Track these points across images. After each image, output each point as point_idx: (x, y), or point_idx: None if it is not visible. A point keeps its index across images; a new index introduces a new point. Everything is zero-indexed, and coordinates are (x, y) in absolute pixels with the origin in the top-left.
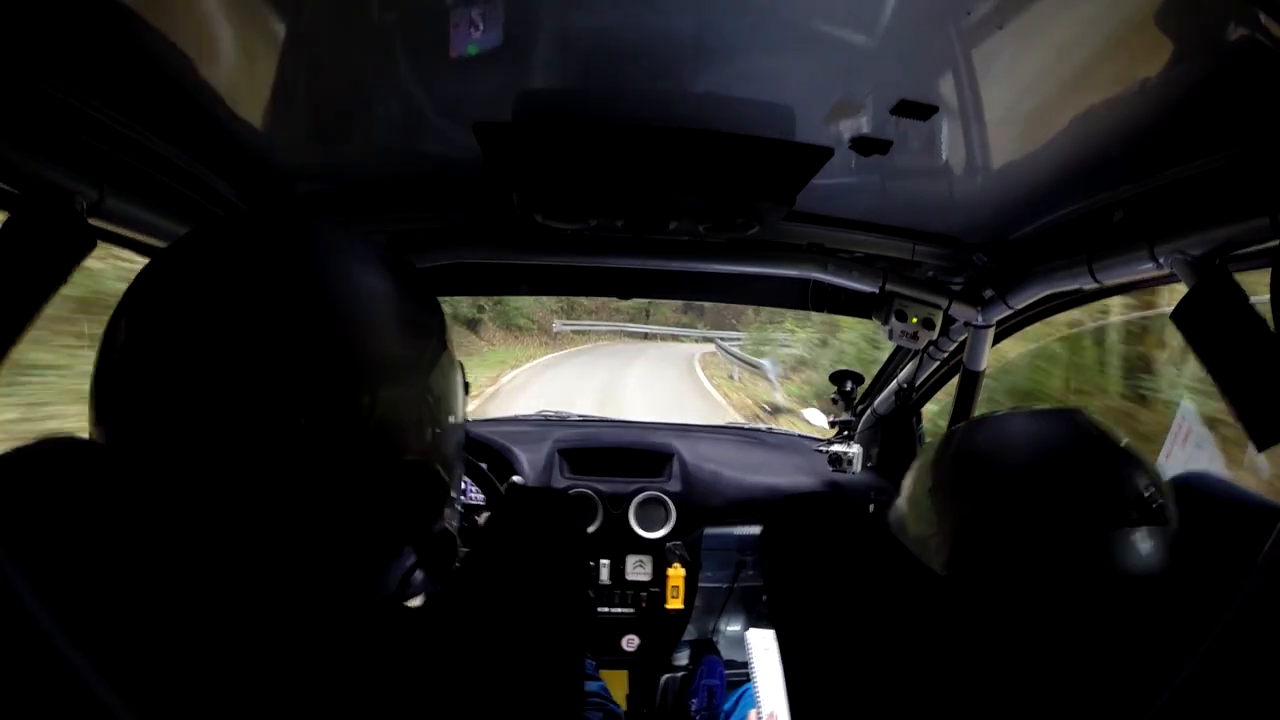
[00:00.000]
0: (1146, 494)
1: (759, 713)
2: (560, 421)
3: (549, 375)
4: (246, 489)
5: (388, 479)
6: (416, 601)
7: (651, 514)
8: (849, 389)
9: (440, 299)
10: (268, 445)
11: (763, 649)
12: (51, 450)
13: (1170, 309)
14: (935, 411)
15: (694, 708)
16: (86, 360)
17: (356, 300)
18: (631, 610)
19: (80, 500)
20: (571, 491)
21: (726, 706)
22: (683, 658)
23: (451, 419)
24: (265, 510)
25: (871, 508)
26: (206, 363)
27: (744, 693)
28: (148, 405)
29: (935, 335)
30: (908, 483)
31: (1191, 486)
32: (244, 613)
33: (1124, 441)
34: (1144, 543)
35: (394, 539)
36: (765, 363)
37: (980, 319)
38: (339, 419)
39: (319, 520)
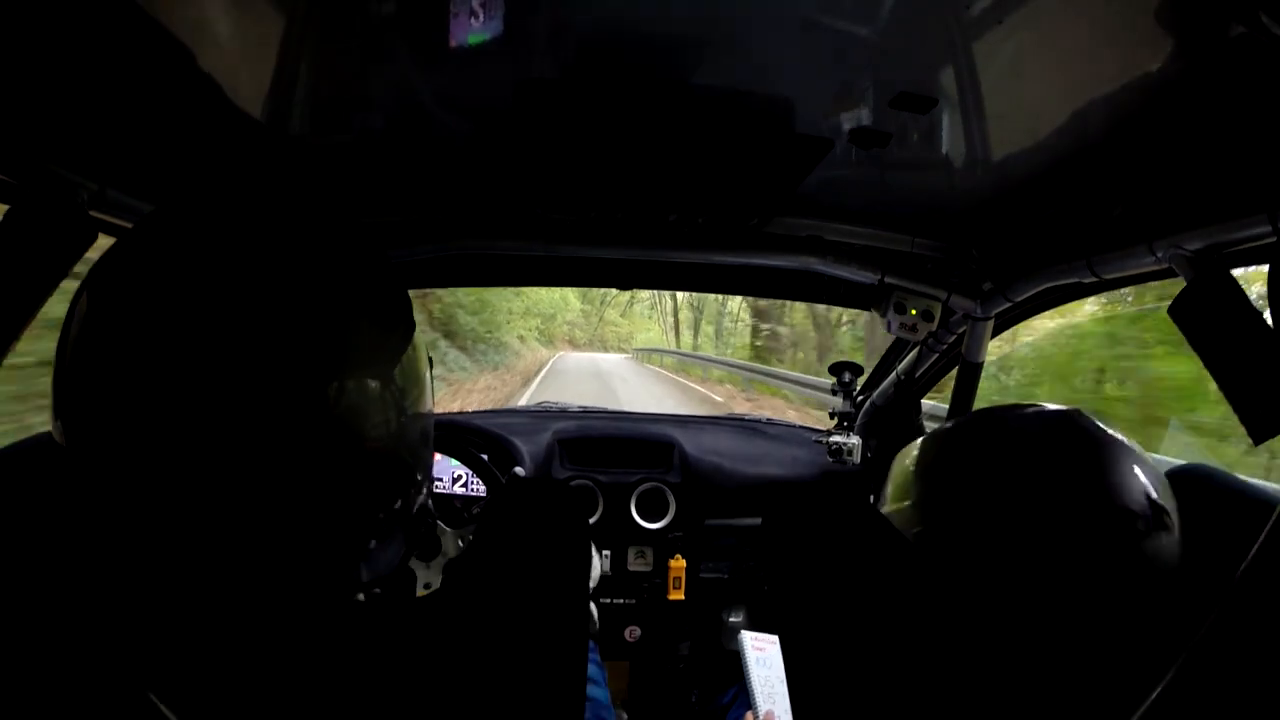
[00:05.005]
0: (1144, 497)
1: (755, 714)
2: (560, 413)
3: None
4: (207, 479)
5: (351, 467)
6: (422, 591)
7: (652, 505)
8: (848, 380)
9: (442, 291)
10: (229, 435)
11: (756, 649)
12: (27, 449)
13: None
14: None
15: (695, 699)
16: None
17: (320, 288)
18: (633, 601)
19: (55, 499)
20: (572, 483)
21: (725, 699)
22: (684, 649)
23: (417, 408)
24: (227, 501)
25: (871, 499)
26: (166, 352)
27: (742, 685)
28: (106, 398)
29: (934, 327)
30: (888, 487)
31: (1193, 477)
32: (211, 605)
33: (1117, 439)
34: (1136, 545)
35: (360, 527)
36: None
37: (979, 311)
38: (301, 407)
39: (283, 509)
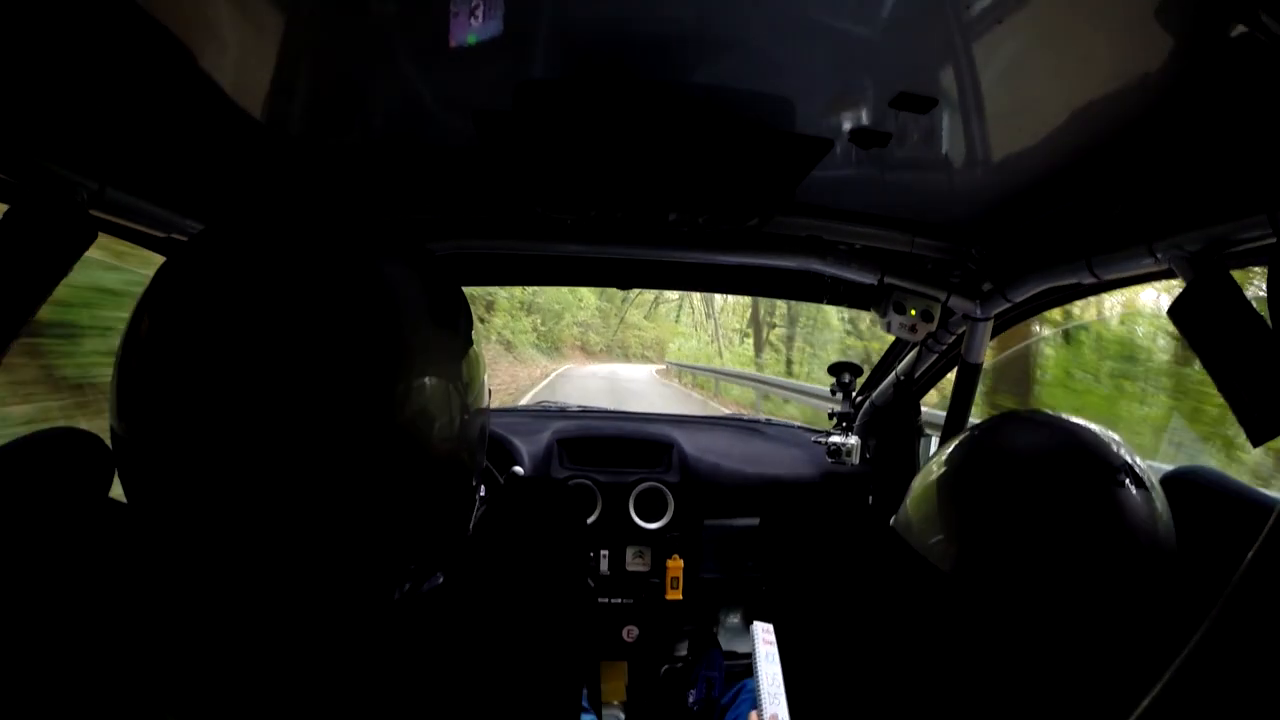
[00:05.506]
0: (1146, 519)
1: (760, 714)
2: (559, 412)
3: None
4: (276, 483)
5: (418, 470)
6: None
7: (651, 505)
8: (847, 381)
9: None
10: (298, 440)
11: (766, 643)
12: (49, 441)
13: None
14: None
15: (692, 699)
16: None
17: (384, 290)
18: (631, 601)
19: (79, 491)
20: (571, 482)
21: (725, 700)
22: (682, 649)
23: (476, 406)
24: (294, 506)
25: (870, 499)
26: (236, 356)
27: (743, 687)
28: (177, 401)
29: (934, 328)
30: (915, 489)
31: (1188, 480)
32: (265, 609)
33: (1124, 457)
34: (1141, 558)
35: (426, 531)
36: None
37: (979, 312)
38: (369, 410)
39: (353, 508)
